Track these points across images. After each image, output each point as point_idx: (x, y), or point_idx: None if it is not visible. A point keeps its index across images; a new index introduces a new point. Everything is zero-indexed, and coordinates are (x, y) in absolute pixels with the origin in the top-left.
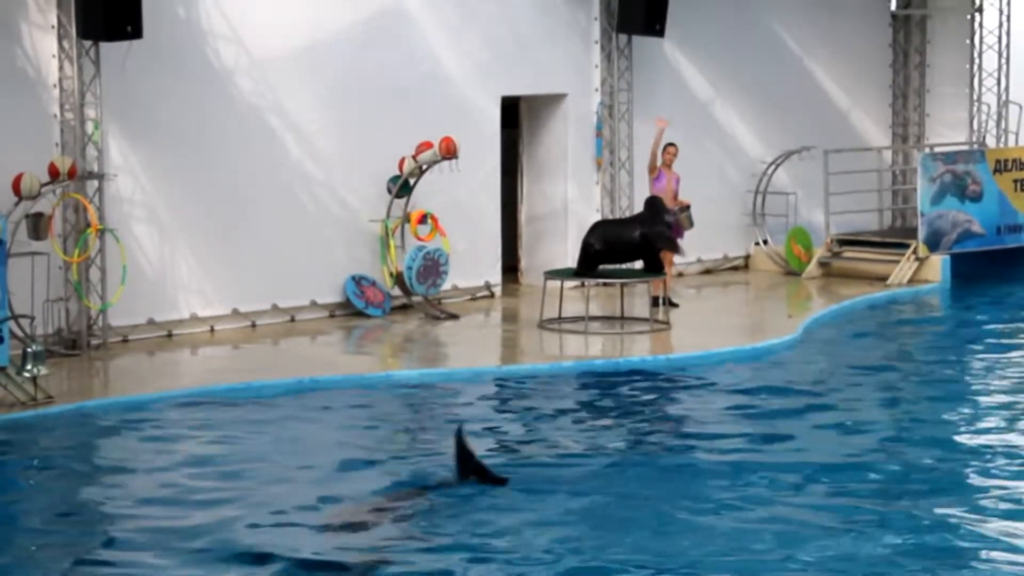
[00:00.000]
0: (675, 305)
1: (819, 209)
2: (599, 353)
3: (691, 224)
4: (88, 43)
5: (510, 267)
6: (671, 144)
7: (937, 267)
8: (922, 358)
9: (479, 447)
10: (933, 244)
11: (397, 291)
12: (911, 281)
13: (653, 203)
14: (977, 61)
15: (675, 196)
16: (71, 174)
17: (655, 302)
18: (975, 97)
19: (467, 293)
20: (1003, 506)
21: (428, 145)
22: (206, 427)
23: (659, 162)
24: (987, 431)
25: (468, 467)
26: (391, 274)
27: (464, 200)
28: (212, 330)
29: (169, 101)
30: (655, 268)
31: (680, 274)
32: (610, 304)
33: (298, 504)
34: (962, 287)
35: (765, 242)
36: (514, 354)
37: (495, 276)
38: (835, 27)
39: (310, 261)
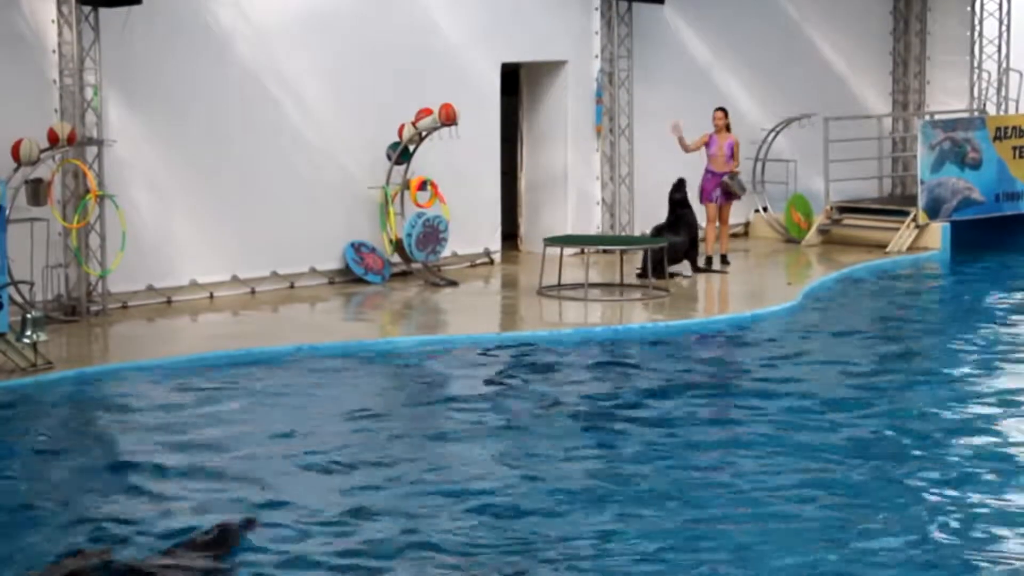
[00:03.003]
0: (717, 266)
1: (819, 176)
2: (598, 320)
3: (742, 189)
4: (87, 8)
5: (510, 234)
6: (719, 108)
7: (937, 234)
8: (921, 326)
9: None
10: (933, 211)
11: (396, 258)
12: (910, 248)
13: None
14: (978, 28)
15: (727, 160)
16: (70, 140)
17: (708, 261)
18: (975, 64)
19: (467, 260)
20: (994, 476)
21: (428, 112)
22: (206, 393)
23: (697, 140)
24: (985, 399)
25: None
26: (391, 241)
27: (464, 167)
28: (211, 296)
29: (168, 67)
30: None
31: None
32: (609, 271)
33: (290, 472)
34: (961, 254)
35: (765, 209)
36: (514, 321)
37: (495, 243)
38: None
39: (309, 227)
